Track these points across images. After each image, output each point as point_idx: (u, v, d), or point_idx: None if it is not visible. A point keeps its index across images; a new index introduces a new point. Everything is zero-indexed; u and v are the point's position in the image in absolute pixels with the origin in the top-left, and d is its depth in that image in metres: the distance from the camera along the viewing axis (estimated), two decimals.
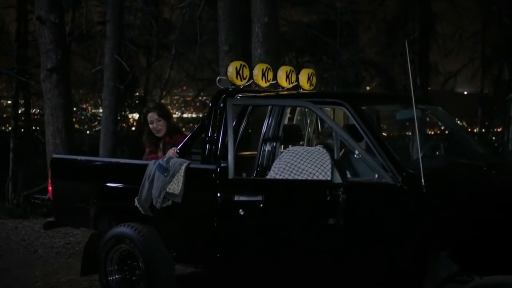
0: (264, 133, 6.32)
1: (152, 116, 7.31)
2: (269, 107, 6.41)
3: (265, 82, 7.03)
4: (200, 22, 19.29)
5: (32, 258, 9.30)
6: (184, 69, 23.07)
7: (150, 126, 7.31)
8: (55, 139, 12.81)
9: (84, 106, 28.63)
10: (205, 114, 6.43)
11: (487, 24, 20.64)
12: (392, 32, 20.26)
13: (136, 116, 28.21)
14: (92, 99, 27.95)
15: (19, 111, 24.71)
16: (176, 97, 40.06)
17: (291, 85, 7.34)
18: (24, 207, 15.73)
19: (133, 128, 27.60)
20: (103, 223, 7.37)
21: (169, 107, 26.94)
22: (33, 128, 24.68)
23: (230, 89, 6.82)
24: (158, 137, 7.31)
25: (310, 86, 7.52)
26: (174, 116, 38.61)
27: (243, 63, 6.88)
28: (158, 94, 28.36)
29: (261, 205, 5.79)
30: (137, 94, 26.11)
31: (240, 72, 6.82)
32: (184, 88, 36.35)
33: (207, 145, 6.61)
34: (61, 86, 12.85)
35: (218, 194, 6.04)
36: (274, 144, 6.27)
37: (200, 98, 34.13)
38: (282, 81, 7.23)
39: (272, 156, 6.19)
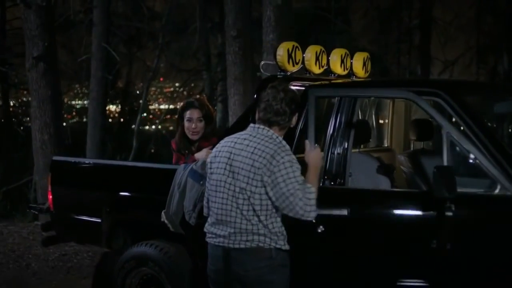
0: (332, 133, 4.79)
1: (192, 113, 5.64)
2: (337, 99, 4.87)
3: (319, 68, 5.52)
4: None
5: (25, 274, 7.74)
6: (168, 59, 21.40)
7: (187, 124, 5.65)
8: (42, 134, 11.16)
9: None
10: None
11: (482, 12, 19.36)
12: (386, 21, 18.90)
13: (117, 108, 26.47)
14: (72, 90, 26.14)
15: None
16: (152, 88, 38.41)
17: (346, 72, 5.83)
18: (4, 205, 14.03)
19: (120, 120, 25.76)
20: (118, 240, 5.86)
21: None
22: (13, 120, 22.83)
23: (279, 76, 5.29)
24: (192, 139, 5.70)
25: (365, 73, 6.02)
26: (151, 107, 37.03)
27: (295, 44, 5.38)
28: (142, 85, 26.85)
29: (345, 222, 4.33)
30: (119, 85, 24.39)
31: (293, 55, 5.30)
32: (161, 79, 34.74)
33: None
34: (49, 76, 11.19)
35: None
36: (346, 145, 4.73)
37: (179, 89, 32.62)
38: (336, 66, 5.73)
39: (343, 160, 4.67)
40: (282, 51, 5.27)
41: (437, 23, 18.39)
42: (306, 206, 3.77)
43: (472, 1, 18.31)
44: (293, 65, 5.32)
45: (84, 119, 27.55)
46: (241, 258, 3.89)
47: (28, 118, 25.12)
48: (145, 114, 29.77)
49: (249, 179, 3.86)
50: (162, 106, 36.87)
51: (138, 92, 27.07)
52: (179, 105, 26.31)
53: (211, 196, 4.08)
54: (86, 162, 6.48)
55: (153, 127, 31.36)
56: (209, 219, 4.14)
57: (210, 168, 4.11)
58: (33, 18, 11.06)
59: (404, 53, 19.06)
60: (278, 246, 3.91)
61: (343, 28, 18.84)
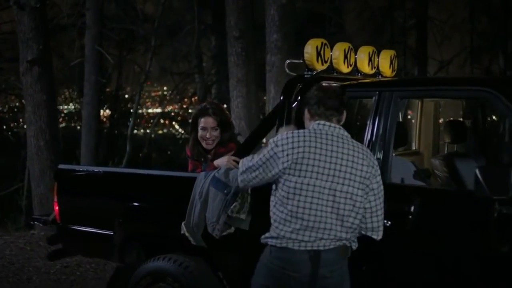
0: (371, 136, 4.35)
1: (207, 121, 5.16)
2: (374, 98, 4.43)
3: (347, 67, 5.10)
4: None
5: None
6: (159, 63, 20.92)
7: (200, 133, 5.20)
8: (38, 140, 10.69)
9: None
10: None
11: (475, 12, 19.05)
12: (380, 21, 18.52)
13: (105, 113, 25.88)
14: (59, 95, 25.54)
15: None
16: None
17: (373, 71, 5.40)
18: None
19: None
20: (131, 254, 5.39)
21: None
22: (3, 126, 22.28)
23: (306, 75, 4.86)
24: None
25: (392, 72, 5.60)
26: (139, 111, 36.53)
27: (324, 41, 4.96)
28: (129, 88, 26.35)
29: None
30: (108, 89, 23.84)
31: (322, 53, 4.87)
32: (148, 83, 34.31)
33: None
34: (44, 80, 10.73)
35: None
36: (387, 148, 4.30)
37: (169, 93, 32.28)
38: (364, 65, 5.30)
39: (384, 164, 4.24)
40: (310, 49, 4.84)
41: (433, 23, 18.05)
42: None
43: (466, 1, 17.99)
44: (322, 64, 4.90)
45: (73, 124, 27.07)
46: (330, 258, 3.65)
47: (16, 124, 24.61)
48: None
49: (357, 183, 3.65)
50: (150, 110, 36.38)
51: (127, 96, 26.62)
52: (169, 109, 25.71)
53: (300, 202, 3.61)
54: (96, 170, 6.01)
55: (142, 131, 30.89)
56: (291, 225, 3.65)
57: (300, 171, 3.62)
58: (26, 21, 10.61)
59: (399, 54, 18.69)
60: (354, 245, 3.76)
61: (337, 29, 18.45)
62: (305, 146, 3.59)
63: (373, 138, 4.33)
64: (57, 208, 5.75)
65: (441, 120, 6.13)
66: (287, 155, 3.61)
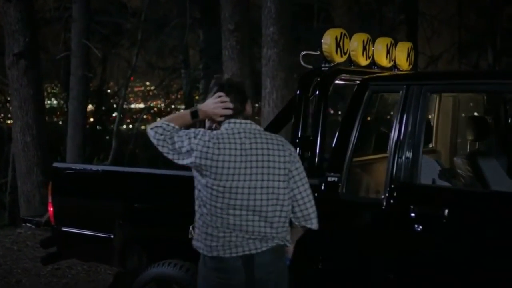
0: (398, 134, 3.99)
1: None
2: (401, 93, 4.07)
3: (366, 59, 4.74)
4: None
5: None
6: (144, 57, 20.41)
7: (207, 124, 4.83)
8: (24, 136, 10.27)
9: None
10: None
11: (463, 8, 18.77)
12: (369, 16, 18.17)
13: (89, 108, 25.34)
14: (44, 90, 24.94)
15: None
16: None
17: (390, 64, 5.05)
18: None
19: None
20: (132, 258, 5.00)
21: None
22: None
23: (324, 68, 4.50)
24: None
25: (409, 65, 5.26)
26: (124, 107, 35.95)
27: (343, 31, 4.59)
28: (115, 84, 25.82)
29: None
30: (92, 84, 23.30)
31: (341, 44, 4.51)
32: (131, 78, 33.77)
33: (298, 148, 4.30)
34: (31, 74, 10.30)
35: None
36: (416, 147, 3.94)
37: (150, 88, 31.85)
38: (382, 57, 4.96)
39: (414, 164, 3.88)
40: (329, 40, 4.49)
41: (424, 17, 17.72)
42: None
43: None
44: (341, 56, 4.54)
45: (55, 119, 26.48)
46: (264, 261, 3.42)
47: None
48: (115, 114, 28.75)
49: (277, 175, 3.43)
50: (132, 106, 35.84)
51: (109, 91, 26.08)
52: (152, 104, 25.16)
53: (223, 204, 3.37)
54: (94, 169, 5.62)
55: (125, 126, 30.36)
56: (214, 230, 3.41)
57: (216, 174, 3.38)
58: (13, 12, 10.19)
59: None
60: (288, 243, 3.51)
61: (325, 25, 18.08)
62: (220, 149, 3.35)
63: (401, 137, 3.98)
64: (51, 209, 5.37)
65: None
66: (201, 155, 3.36)
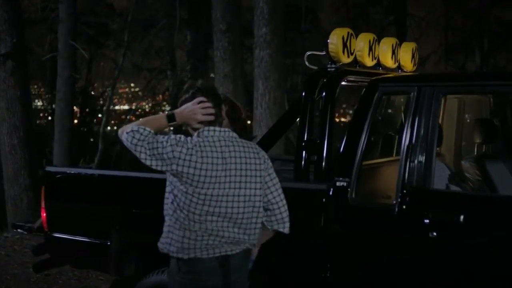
0: (410, 138, 3.84)
1: None
2: (413, 95, 3.91)
3: (372, 60, 4.59)
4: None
5: None
6: (130, 58, 20.18)
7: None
8: (11, 138, 10.05)
9: None
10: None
11: (450, 9, 18.72)
12: (356, 18, 18.08)
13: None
14: None
15: None
16: (108, 89, 37.09)
17: (395, 65, 4.90)
18: None
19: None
20: (130, 266, 4.82)
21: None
22: None
23: (330, 69, 4.34)
24: None
25: (413, 66, 5.12)
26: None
27: (350, 30, 4.43)
28: (99, 85, 25.57)
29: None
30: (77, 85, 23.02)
31: (348, 44, 4.35)
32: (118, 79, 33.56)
33: (304, 152, 4.14)
34: (18, 75, 10.09)
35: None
36: (430, 151, 3.79)
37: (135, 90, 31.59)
38: (387, 58, 4.81)
39: (428, 169, 3.73)
40: (336, 39, 4.33)
41: (412, 19, 17.66)
42: None
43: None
44: (348, 56, 4.38)
45: (38, 121, 26.16)
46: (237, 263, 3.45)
47: None
48: (100, 115, 28.48)
49: (254, 183, 3.45)
50: (117, 107, 35.56)
51: (93, 92, 25.82)
52: (137, 106, 24.92)
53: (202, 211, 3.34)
54: (90, 173, 5.42)
55: (109, 128, 30.08)
56: (191, 234, 3.36)
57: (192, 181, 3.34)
58: (0, 12, 9.91)
59: None
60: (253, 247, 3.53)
61: (312, 26, 18.00)
62: (202, 157, 3.30)
63: (413, 140, 3.82)
64: (44, 214, 5.16)
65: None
66: (183, 163, 3.29)
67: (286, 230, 3.51)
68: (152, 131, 3.34)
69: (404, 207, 3.75)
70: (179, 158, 3.26)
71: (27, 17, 15.25)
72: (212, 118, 3.37)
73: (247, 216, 3.36)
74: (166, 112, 3.48)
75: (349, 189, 3.92)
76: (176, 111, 3.43)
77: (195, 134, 3.38)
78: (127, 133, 3.32)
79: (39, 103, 24.71)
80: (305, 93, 4.29)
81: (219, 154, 3.31)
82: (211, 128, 3.36)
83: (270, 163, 3.49)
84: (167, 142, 3.29)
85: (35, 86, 24.34)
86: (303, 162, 4.19)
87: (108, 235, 4.82)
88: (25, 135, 10.10)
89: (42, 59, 15.10)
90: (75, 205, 5.10)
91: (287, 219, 3.50)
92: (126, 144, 3.34)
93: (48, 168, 5.40)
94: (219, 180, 3.29)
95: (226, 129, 3.42)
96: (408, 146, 3.82)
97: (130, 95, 34.39)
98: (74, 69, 13.78)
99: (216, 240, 3.34)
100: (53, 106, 19.35)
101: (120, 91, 36.08)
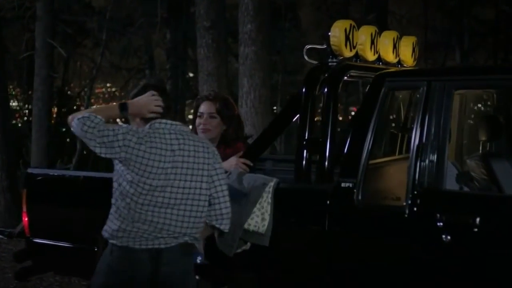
0: (420, 136, 3.60)
1: (205, 107, 4.42)
2: (422, 90, 3.67)
3: (374, 54, 4.35)
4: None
5: None
6: (108, 58, 19.84)
7: (197, 121, 4.45)
8: None
9: None
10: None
11: (429, 8, 18.61)
12: (336, 15, 17.88)
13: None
14: None
15: None
16: (85, 89, 36.71)
17: (396, 59, 4.67)
18: None
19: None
20: None
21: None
22: None
23: (331, 63, 4.09)
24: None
25: (414, 61, 4.90)
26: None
27: (352, 22, 4.19)
28: (75, 85, 25.18)
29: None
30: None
31: (350, 37, 4.10)
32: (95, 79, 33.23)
33: (305, 151, 3.89)
34: None
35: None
36: (441, 151, 3.56)
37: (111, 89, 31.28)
38: (388, 52, 4.58)
39: (440, 169, 3.49)
40: (338, 32, 4.08)
41: (393, 17, 17.52)
42: None
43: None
44: (350, 50, 4.14)
45: (14, 122, 25.71)
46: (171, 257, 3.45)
47: None
48: None
49: (200, 176, 3.50)
50: (94, 107, 35.14)
51: (69, 92, 25.43)
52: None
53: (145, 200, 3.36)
54: (74, 175, 5.13)
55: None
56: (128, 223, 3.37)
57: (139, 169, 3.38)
58: None
59: None
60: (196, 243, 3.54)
61: (292, 25, 17.80)
62: (151, 147, 3.33)
63: (423, 139, 3.58)
64: (26, 219, 4.86)
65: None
66: (132, 151, 3.31)
67: (223, 227, 3.49)
68: (103, 120, 3.35)
69: (415, 209, 3.52)
70: (129, 146, 3.29)
71: (2, 16, 14.81)
72: (161, 110, 3.43)
73: (189, 209, 3.38)
74: (119, 102, 3.54)
75: (355, 190, 3.68)
76: (129, 101, 3.48)
77: (147, 125, 3.42)
78: (78, 119, 3.32)
79: (15, 104, 24.22)
80: (305, 90, 4.04)
81: (168, 146, 3.35)
82: (163, 120, 3.43)
83: (219, 159, 3.53)
84: (118, 130, 3.31)
85: (10, 87, 23.93)
86: (304, 162, 3.94)
87: (94, 240, 4.54)
88: (2, 136, 9.80)
89: (18, 58, 14.68)
90: (59, 209, 4.82)
91: (226, 216, 3.49)
92: (75, 130, 3.35)
93: (30, 170, 5.11)
94: (165, 171, 3.33)
95: (179, 123, 3.47)
96: (418, 145, 3.59)
97: (106, 95, 34.03)
98: (51, 68, 13.40)
99: (152, 234, 3.35)
100: (30, 106, 18.99)
101: (97, 91, 35.69)
